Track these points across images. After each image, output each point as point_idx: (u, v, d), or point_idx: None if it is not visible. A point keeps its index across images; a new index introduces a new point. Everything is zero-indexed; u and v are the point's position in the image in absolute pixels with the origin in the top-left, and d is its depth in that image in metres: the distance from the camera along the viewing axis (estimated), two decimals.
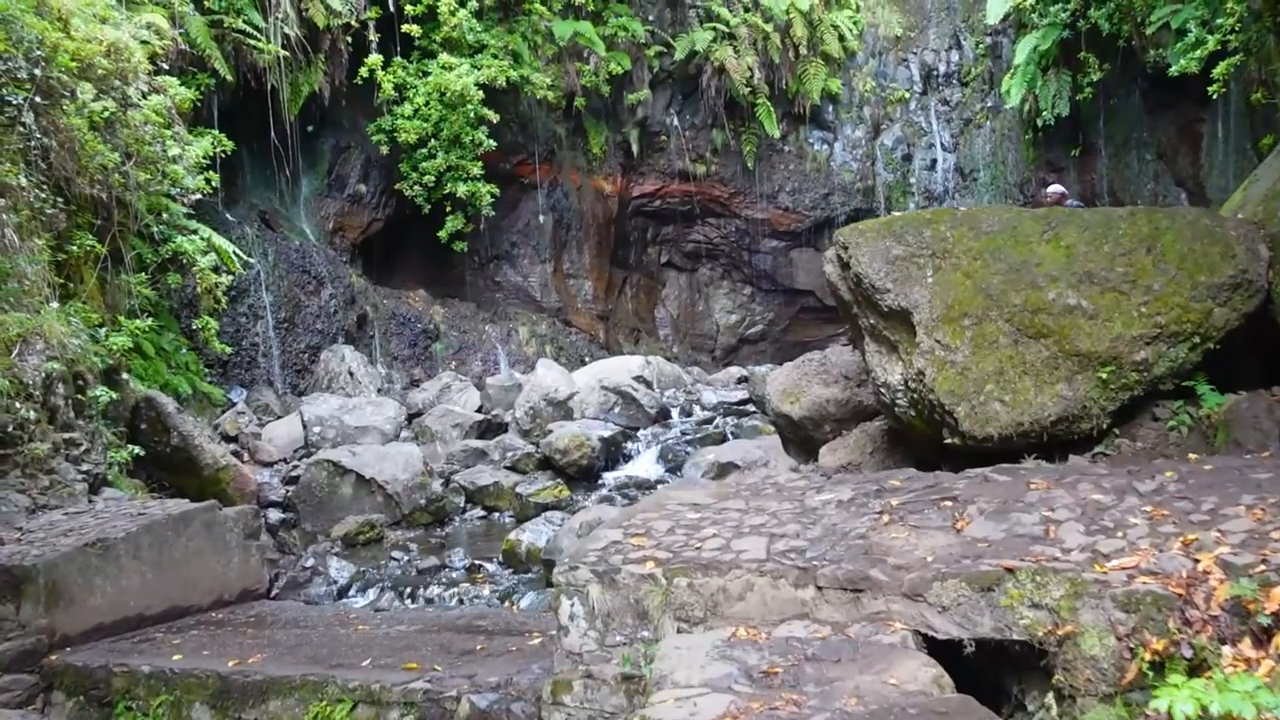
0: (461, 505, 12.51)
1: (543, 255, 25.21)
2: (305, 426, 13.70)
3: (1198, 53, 20.35)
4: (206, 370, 17.27)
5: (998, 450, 7.38)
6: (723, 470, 10.07)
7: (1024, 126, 26.13)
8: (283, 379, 18.56)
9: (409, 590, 8.98)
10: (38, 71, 11.60)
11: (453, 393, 16.68)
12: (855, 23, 27.96)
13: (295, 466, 12.77)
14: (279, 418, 15.78)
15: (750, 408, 15.54)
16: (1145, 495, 5.55)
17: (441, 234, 22.08)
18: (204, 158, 16.86)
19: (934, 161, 27.85)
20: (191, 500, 11.81)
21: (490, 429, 15.10)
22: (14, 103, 11.23)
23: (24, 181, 11.00)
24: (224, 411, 15.97)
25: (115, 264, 14.20)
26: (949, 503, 6.00)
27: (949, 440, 7.55)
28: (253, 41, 18.15)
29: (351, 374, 16.86)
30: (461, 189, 21.70)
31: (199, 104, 17.57)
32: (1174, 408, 7.37)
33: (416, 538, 11.37)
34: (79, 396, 10.48)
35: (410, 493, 11.74)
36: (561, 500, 11.98)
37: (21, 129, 11.34)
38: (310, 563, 9.35)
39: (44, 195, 11.31)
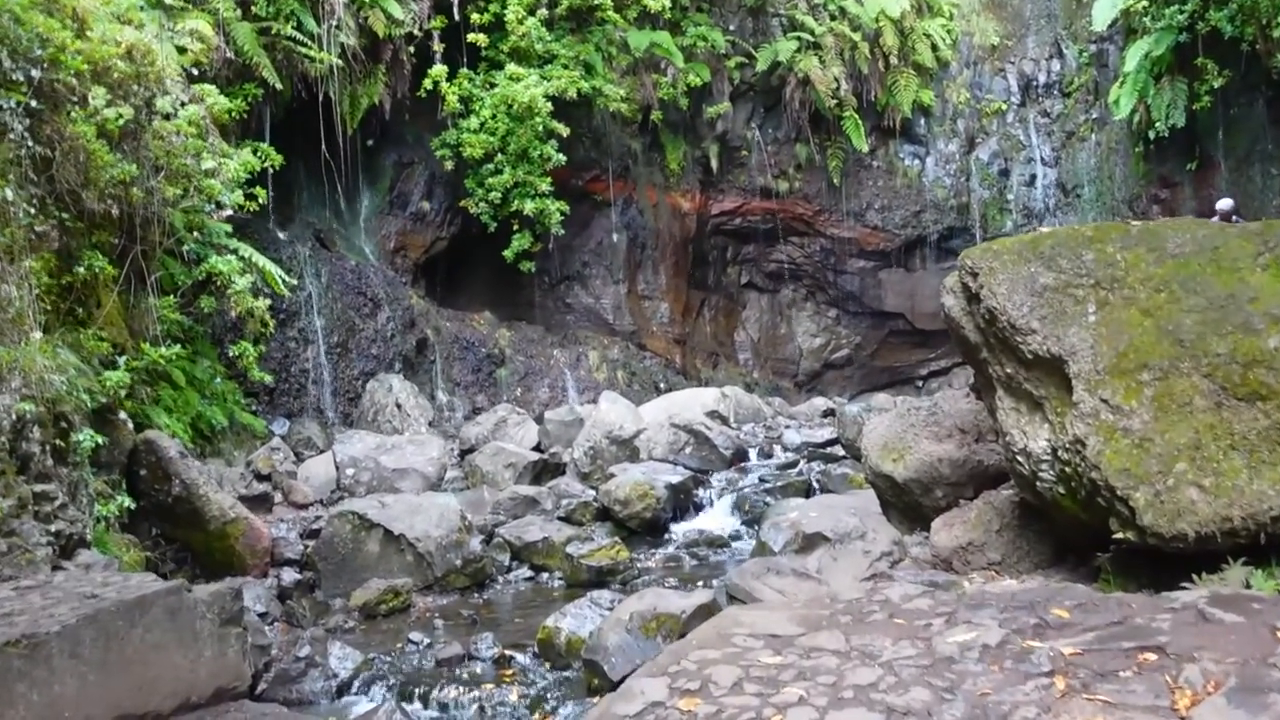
0: (506, 563, 10.63)
1: (616, 276, 23.33)
2: (338, 468, 11.96)
3: None
4: (249, 400, 15.71)
5: (1191, 552, 5.26)
6: (808, 543, 8.04)
7: (1133, 139, 23.60)
8: (334, 408, 16.92)
9: (420, 691, 7.09)
10: (35, 73, 10.01)
11: (509, 427, 14.85)
12: (949, 31, 25.68)
13: (318, 518, 11.01)
14: (321, 452, 14.10)
15: (839, 450, 13.43)
16: None
17: (508, 253, 20.34)
18: (248, 172, 15.31)
19: (1033, 177, 25.42)
20: (195, 557, 10.20)
21: (547, 470, 13.22)
22: (4, 107, 9.64)
23: (10, 195, 9.39)
24: (265, 444, 14.35)
25: (140, 286, 12.67)
26: (1151, 656, 3.93)
27: (1120, 535, 5.44)
28: (304, 50, 16.57)
29: (399, 406, 15.13)
30: (529, 206, 19.93)
31: (245, 115, 16.04)
32: None
33: (449, 606, 9.50)
34: (59, 441, 8.81)
35: (444, 552, 9.89)
36: (619, 564, 10.02)
37: (13, 137, 9.75)
38: (306, 651, 7.50)
39: (33, 211, 9.69)
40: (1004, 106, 25.82)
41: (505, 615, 9.20)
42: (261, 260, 14.76)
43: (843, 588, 7.44)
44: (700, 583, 9.78)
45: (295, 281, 16.57)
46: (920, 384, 27.36)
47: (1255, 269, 5.22)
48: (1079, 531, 6.51)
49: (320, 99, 17.44)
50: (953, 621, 4.47)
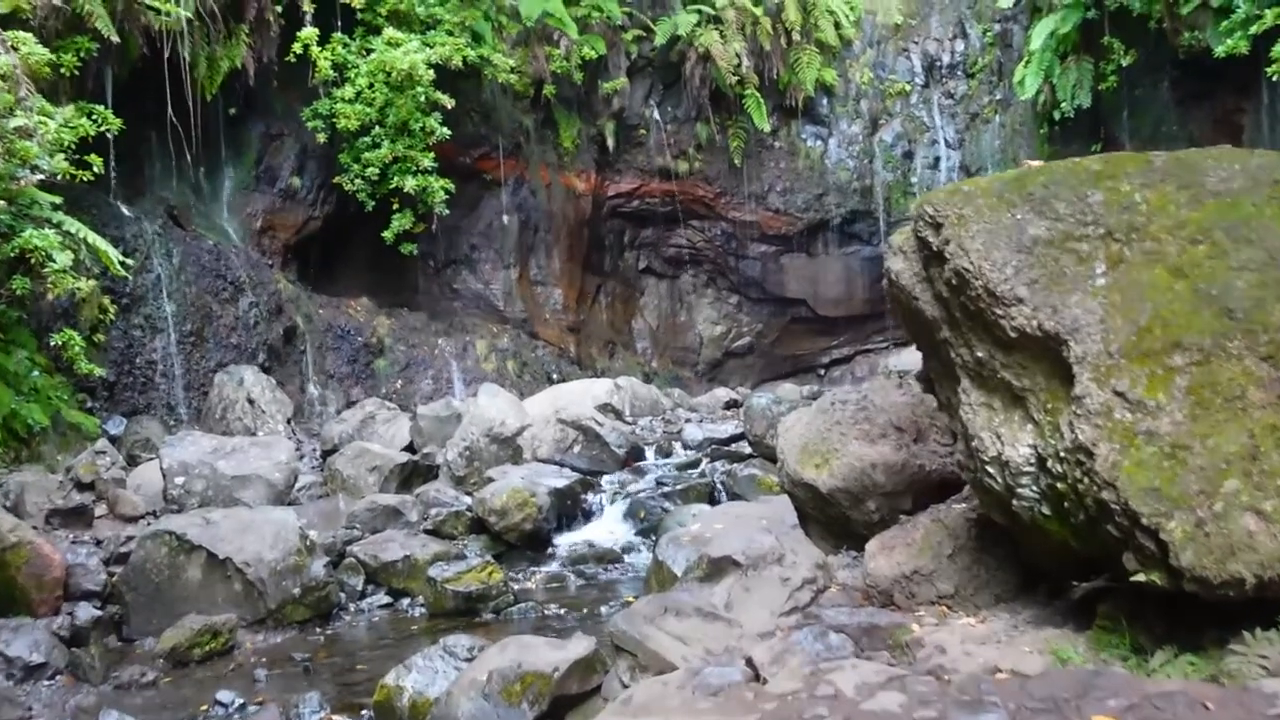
0: (359, 588, 8.79)
1: (507, 260, 21.44)
2: (165, 476, 9.96)
3: (1254, 28, 16.92)
4: (83, 396, 13.54)
5: (1245, 600, 3.74)
6: (715, 569, 6.39)
7: (1038, 120, 22.56)
8: (187, 404, 14.80)
9: None
10: None
11: (377, 424, 12.94)
12: (852, 8, 24.30)
13: (128, 539, 9.02)
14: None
15: (745, 447, 11.84)
16: None
17: (387, 234, 18.34)
18: (78, 136, 13.16)
19: (937, 159, 24.22)
20: None
21: (417, 474, 11.36)
22: None
23: None
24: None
25: None
26: None
27: (1144, 576, 3.89)
28: (148, 0, 14.38)
29: (252, 401, 13.09)
30: (410, 183, 17.96)
31: (78, 72, 13.82)
32: None
33: (281, 647, 7.66)
34: None
35: (279, 578, 8.02)
36: (491, 587, 8.24)
37: None
38: None
39: None
40: (907, 87, 24.57)
41: (347, 659, 7.38)
42: (92, 237, 12.63)
43: (759, 625, 5.83)
44: (586, 609, 8.11)
45: (136, 262, 14.43)
46: (823, 372, 26.06)
47: None
48: (1055, 556, 4.99)
49: (172, 59, 15.27)
50: None
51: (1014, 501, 4.54)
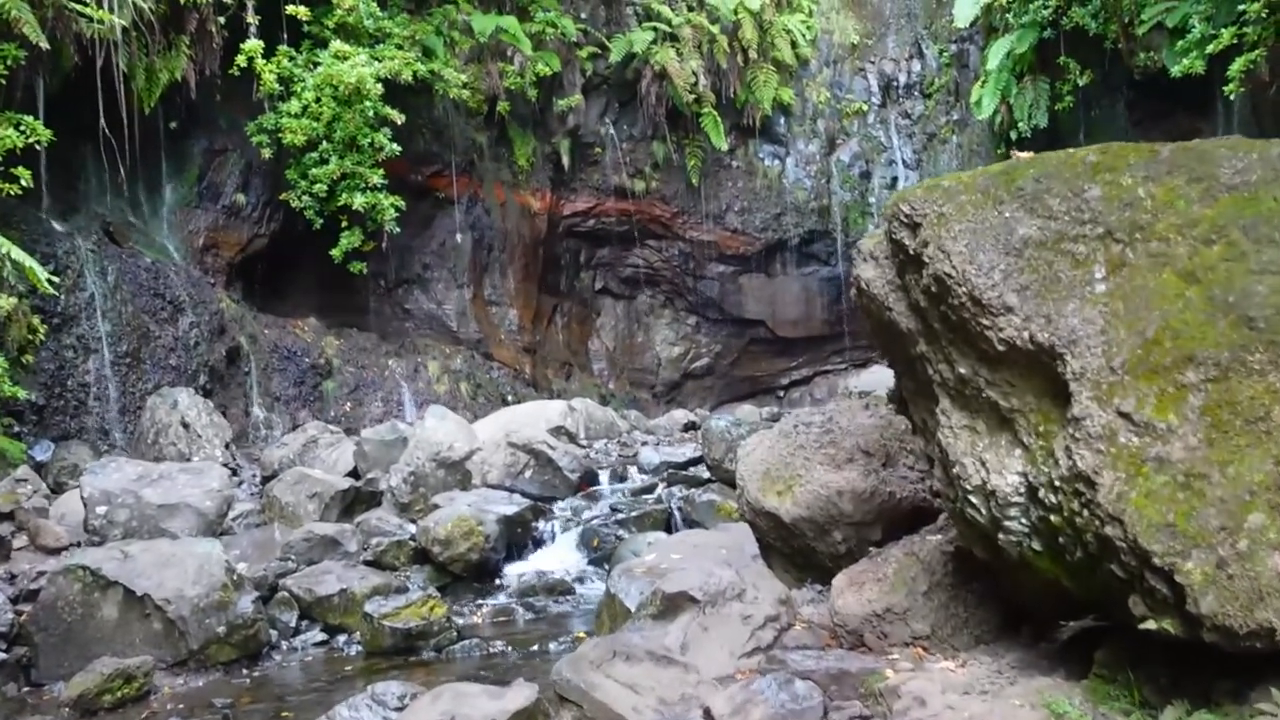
0: (292, 625, 8.14)
1: (460, 279, 20.81)
2: (86, 505, 9.25)
3: (1210, 47, 16.75)
4: (9, 420, 12.77)
5: (1274, 651, 3.26)
6: (670, 606, 5.82)
7: (995, 140, 22.33)
8: (121, 428, 14.04)
9: None
10: None
11: (319, 448, 12.26)
12: (809, 28, 24.03)
13: (40, 574, 8.32)
14: None
15: (703, 471, 11.30)
16: None
17: (335, 252, 17.68)
18: (5, 148, 12.49)
19: (895, 179, 23.93)
20: None
21: (360, 501, 10.70)
22: None
23: None
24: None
25: None
26: None
27: (1154, 624, 3.40)
28: (80, 7, 13.71)
29: (186, 425, 12.36)
30: (359, 200, 17.32)
31: (4, 81, 13.10)
32: None
33: (202, 692, 7.00)
34: None
35: (202, 616, 7.37)
36: (433, 623, 7.63)
37: None
38: None
39: None
40: (864, 107, 24.32)
41: (273, 705, 6.74)
42: (16, 252, 11.89)
43: (717, 669, 5.29)
44: (534, 646, 7.53)
45: (69, 280, 13.71)
46: (782, 394, 25.64)
47: None
48: (1044, 595, 4.51)
49: (107, 69, 14.56)
50: None
51: (1000, 535, 4.05)
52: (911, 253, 3.90)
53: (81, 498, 9.36)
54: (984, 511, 4.07)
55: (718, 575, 6.02)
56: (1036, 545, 3.94)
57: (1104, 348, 3.45)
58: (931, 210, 3.78)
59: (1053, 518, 3.72)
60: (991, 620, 4.98)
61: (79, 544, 9.92)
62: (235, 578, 7.76)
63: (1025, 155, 3.78)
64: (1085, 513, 3.51)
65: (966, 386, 3.95)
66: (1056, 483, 3.63)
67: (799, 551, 6.15)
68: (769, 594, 5.91)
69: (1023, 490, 3.87)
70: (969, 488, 4.07)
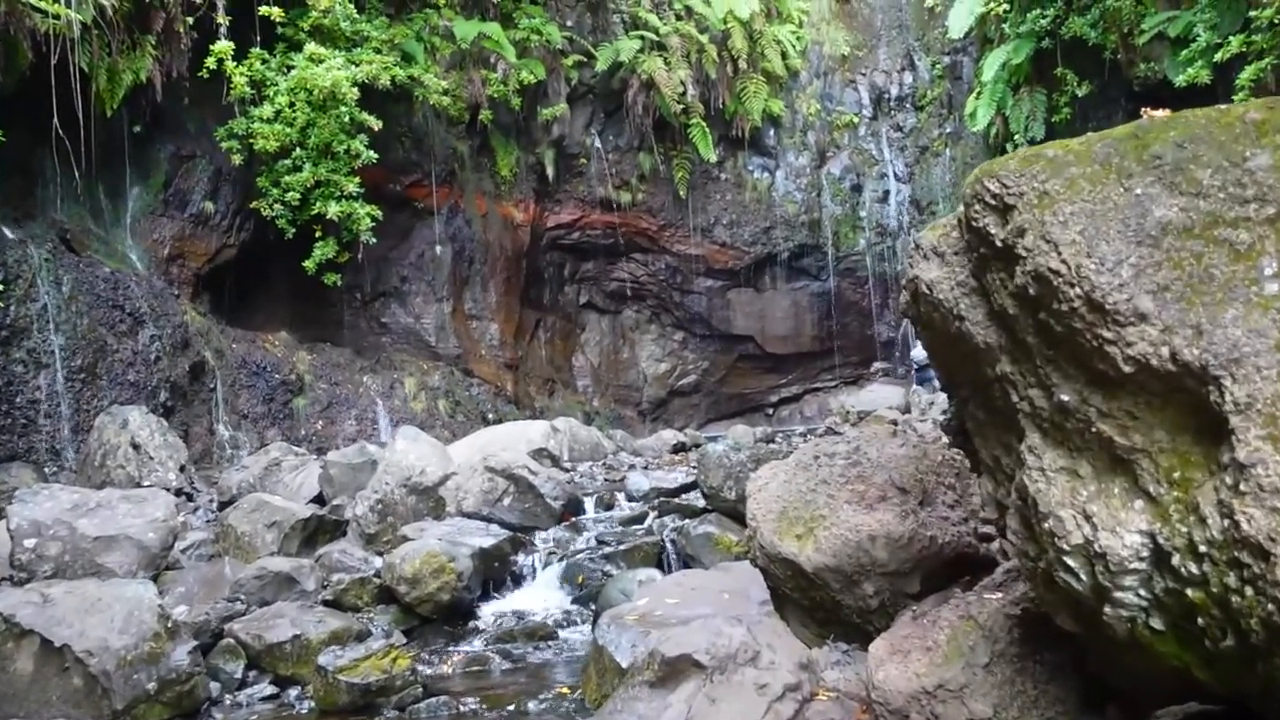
0: (237, 676, 7.10)
1: (440, 293, 19.81)
2: (13, 539, 8.21)
3: (1217, 56, 16.01)
4: None
5: None
6: (671, 672, 4.84)
7: (990, 153, 21.57)
8: (74, 448, 12.98)
9: None
10: None
11: (282, 471, 11.22)
12: (799, 39, 23.22)
13: None
14: None
15: (697, 499, 10.30)
16: None
17: (308, 263, 16.67)
18: None
19: (886, 193, 23.13)
20: None
21: (323, 530, 9.67)
22: None
23: None
24: None
25: None
26: None
27: None
28: (33, 1, 12.70)
29: (136, 447, 11.30)
30: (333, 209, 16.35)
31: None
32: None
33: None
34: None
35: (130, 670, 6.34)
36: (395, 677, 6.62)
37: None
38: None
39: None
40: (855, 119, 23.51)
41: None
42: None
43: None
44: (511, 705, 6.50)
45: (19, 290, 12.67)
46: (770, 411, 24.72)
47: None
48: (1149, 677, 3.54)
49: (64, 68, 13.55)
50: None
51: (1106, 609, 3.09)
52: (1000, 244, 2.95)
53: (8, 530, 8.29)
54: (1083, 578, 3.11)
55: (726, 634, 5.03)
56: (1158, 623, 2.99)
57: (1278, 369, 2.50)
58: (1030, 188, 2.83)
59: (1191, 593, 2.77)
60: (1068, 699, 4.01)
61: (10, 579, 8.86)
62: (170, 625, 6.73)
63: (1160, 113, 2.84)
64: (1248, 590, 2.56)
65: (1069, 418, 2.99)
66: (1202, 548, 2.67)
67: (820, 605, 5.18)
68: (787, 657, 4.93)
69: (1145, 554, 2.91)
70: (1066, 547, 3.11)
